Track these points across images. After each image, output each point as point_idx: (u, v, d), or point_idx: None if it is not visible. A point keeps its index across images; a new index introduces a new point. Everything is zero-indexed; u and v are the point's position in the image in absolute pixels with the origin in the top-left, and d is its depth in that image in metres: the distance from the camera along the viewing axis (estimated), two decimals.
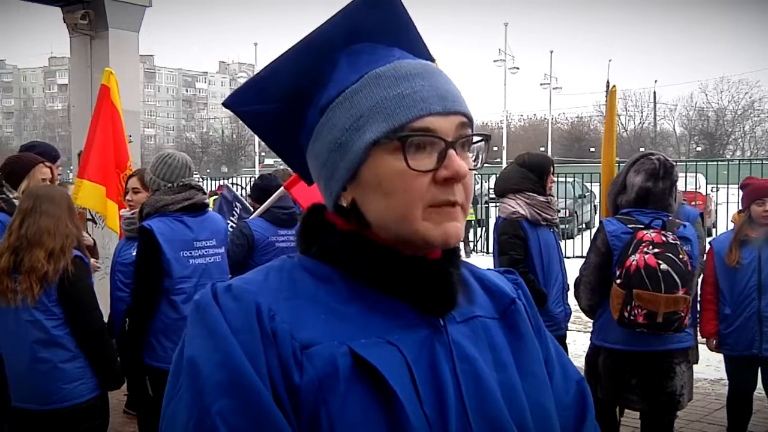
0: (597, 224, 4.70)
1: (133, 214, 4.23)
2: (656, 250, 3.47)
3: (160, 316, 3.69)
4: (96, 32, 8.03)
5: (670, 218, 3.69)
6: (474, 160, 1.01)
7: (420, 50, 1.07)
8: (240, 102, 1.05)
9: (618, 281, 3.54)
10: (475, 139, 1.01)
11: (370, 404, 0.90)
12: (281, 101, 1.04)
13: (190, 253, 3.76)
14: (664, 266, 3.43)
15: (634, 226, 3.64)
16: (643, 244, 3.51)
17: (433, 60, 1.08)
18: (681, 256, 3.48)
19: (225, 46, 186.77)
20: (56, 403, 3.18)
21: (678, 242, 3.54)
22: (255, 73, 1.05)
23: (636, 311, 3.48)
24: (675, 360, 3.67)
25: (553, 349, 1.15)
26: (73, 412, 3.22)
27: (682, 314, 3.47)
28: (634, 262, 3.48)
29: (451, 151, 0.95)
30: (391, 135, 0.94)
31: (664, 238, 3.51)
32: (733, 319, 4.44)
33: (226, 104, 1.05)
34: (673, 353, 3.67)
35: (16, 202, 3.67)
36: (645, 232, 3.56)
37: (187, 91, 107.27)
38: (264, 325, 0.92)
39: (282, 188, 4.92)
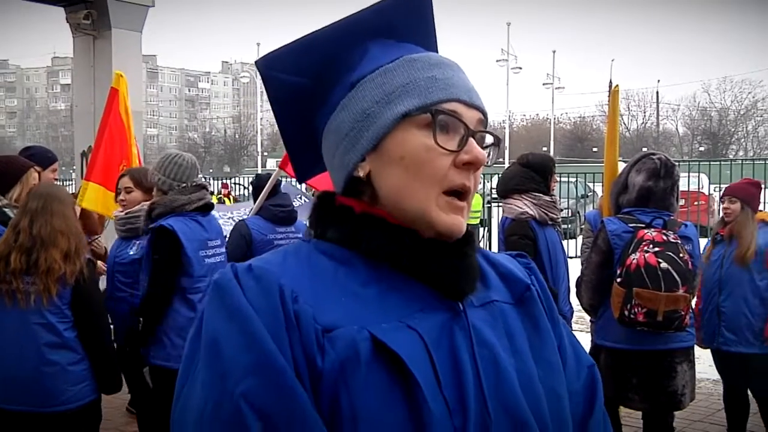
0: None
1: (126, 214, 4.22)
2: (657, 249, 3.48)
3: (174, 315, 3.67)
4: (99, 32, 8.05)
5: (672, 218, 3.69)
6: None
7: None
8: (271, 66, 1.06)
9: (618, 280, 3.55)
10: (488, 140, 1.04)
11: (391, 388, 0.91)
12: (308, 77, 1.06)
13: (205, 252, 3.78)
14: (664, 265, 3.44)
15: (635, 225, 3.65)
16: (644, 243, 3.51)
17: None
18: (681, 255, 3.48)
19: (227, 46, 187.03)
20: (62, 404, 3.15)
21: (679, 241, 3.54)
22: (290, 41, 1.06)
23: (636, 309, 3.49)
24: (676, 359, 3.67)
25: (565, 334, 1.16)
26: (75, 414, 3.21)
27: (683, 313, 3.48)
28: (634, 261, 3.49)
29: (471, 139, 1.00)
30: (422, 110, 0.98)
31: (664, 237, 3.52)
32: (703, 314, 4.58)
33: (258, 63, 1.06)
34: (674, 352, 3.67)
35: (7, 210, 3.56)
36: (646, 231, 3.57)
37: (189, 90, 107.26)
38: (287, 307, 0.92)
39: (277, 170, 4.92)
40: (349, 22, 1.04)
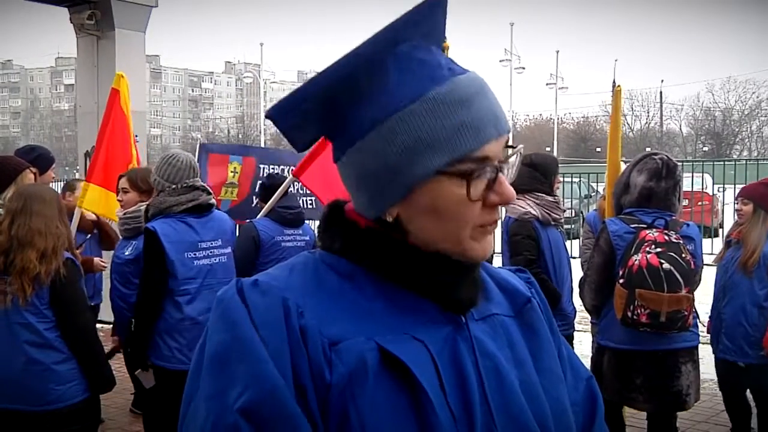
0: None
1: (125, 214, 4.24)
2: (659, 250, 3.47)
3: (165, 316, 3.70)
4: (102, 32, 8.06)
5: (674, 218, 3.68)
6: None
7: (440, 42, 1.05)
8: (282, 117, 1.01)
9: (621, 281, 3.54)
10: (511, 154, 1.03)
11: (399, 399, 0.91)
12: (322, 106, 0.99)
13: (195, 254, 3.77)
14: (666, 266, 3.43)
15: (636, 225, 3.64)
16: (646, 244, 3.50)
17: (444, 40, 1.06)
18: (684, 256, 3.48)
19: (231, 46, 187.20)
20: (49, 404, 3.17)
21: (681, 241, 3.54)
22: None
23: (639, 311, 3.48)
24: (680, 360, 3.66)
25: (563, 347, 1.17)
26: (65, 414, 3.21)
27: (686, 313, 3.47)
28: (636, 262, 3.48)
29: (501, 176, 0.98)
30: (453, 165, 0.95)
31: (666, 238, 3.51)
32: (711, 319, 4.55)
33: (269, 116, 1.01)
34: (678, 352, 3.65)
35: (0, 211, 3.56)
36: (648, 231, 3.56)
37: (193, 91, 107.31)
38: (292, 321, 0.92)
39: (290, 177, 4.90)
40: (365, 43, 0.97)
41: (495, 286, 1.12)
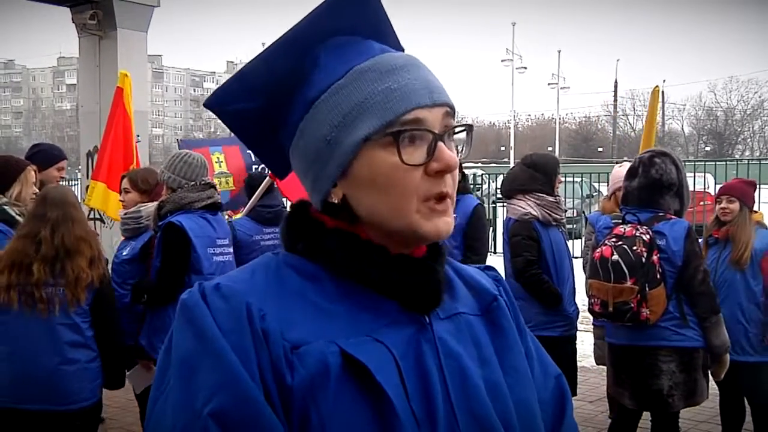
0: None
1: (126, 214, 4.25)
2: (617, 243, 3.57)
3: None
4: (104, 32, 8.06)
5: (660, 214, 3.68)
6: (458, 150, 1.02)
7: (394, 42, 1.07)
8: (222, 102, 1.05)
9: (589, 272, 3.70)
10: (458, 129, 1.01)
11: (360, 402, 0.91)
12: (262, 98, 1.03)
13: (214, 250, 3.79)
14: (615, 257, 3.52)
15: (616, 221, 3.78)
16: (609, 236, 3.64)
17: (402, 50, 1.08)
18: (635, 248, 3.52)
19: (232, 46, 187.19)
20: (79, 402, 3.20)
21: (639, 235, 3.55)
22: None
23: (592, 300, 3.65)
24: (661, 358, 3.62)
25: (532, 345, 1.16)
26: (89, 411, 3.26)
27: (632, 305, 3.50)
28: (597, 254, 3.62)
29: (440, 144, 0.96)
30: (383, 130, 0.94)
31: (634, 232, 3.57)
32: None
33: (207, 104, 1.04)
34: (657, 351, 3.62)
35: (7, 208, 3.56)
36: (621, 226, 3.65)
37: (194, 90, 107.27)
38: (255, 325, 0.91)
39: (267, 179, 4.85)
40: (294, 33, 1.01)
41: (462, 284, 1.11)
